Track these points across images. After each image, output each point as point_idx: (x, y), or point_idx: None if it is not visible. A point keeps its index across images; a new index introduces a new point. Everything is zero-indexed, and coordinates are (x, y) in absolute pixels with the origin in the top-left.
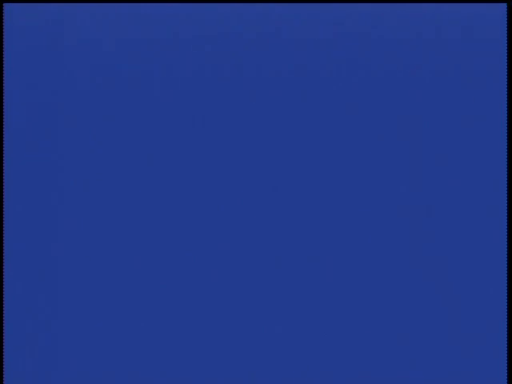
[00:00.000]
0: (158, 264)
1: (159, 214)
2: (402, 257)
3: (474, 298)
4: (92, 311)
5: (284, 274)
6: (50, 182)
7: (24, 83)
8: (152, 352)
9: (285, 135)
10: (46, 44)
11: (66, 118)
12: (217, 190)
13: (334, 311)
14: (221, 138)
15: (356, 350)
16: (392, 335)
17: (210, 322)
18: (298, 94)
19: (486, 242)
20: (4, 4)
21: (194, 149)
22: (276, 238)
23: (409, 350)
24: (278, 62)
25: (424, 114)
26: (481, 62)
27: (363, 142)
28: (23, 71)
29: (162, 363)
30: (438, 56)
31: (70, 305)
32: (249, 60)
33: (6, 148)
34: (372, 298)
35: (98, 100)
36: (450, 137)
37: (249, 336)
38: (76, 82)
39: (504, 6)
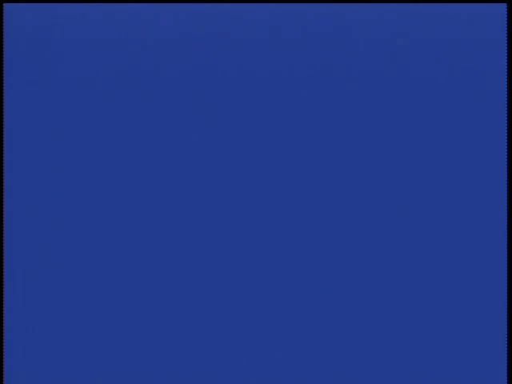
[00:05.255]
0: (158, 263)
1: (159, 213)
2: (401, 256)
3: (474, 298)
4: (92, 311)
5: (284, 274)
6: (49, 181)
7: (24, 83)
8: (152, 352)
9: (285, 135)
10: (46, 44)
11: (66, 117)
12: (217, 190)
13: (333, 311)
14: (220, 138)
15: (356, 350)
16: (392, 335)
17: (209, 320)
18: (297, 94)
19: (486, 242)
20: (4, 4)
21: (192, 149)
22: (276, 238)
23: (409, 350)
24: (278, 61)
25: (424, 113)
26: (481, 62)
27: (363, 141)
28: (23, 71)
29: (161, 362)
30: (438, 56)
31: (69, 305)
32: (249, 60)
33: (6, 148)
34: (372, 298)
35: (98, 100)
36: (450, 137)
37: (249, 336)
38: (75, 82)
39: (504, 6)
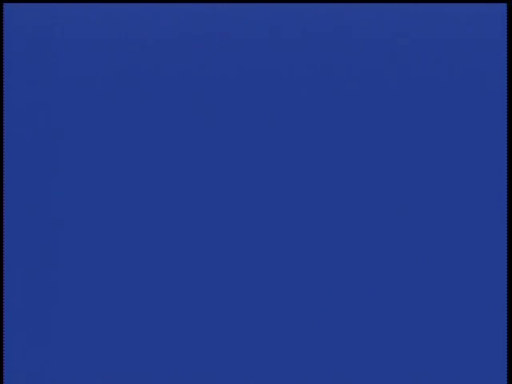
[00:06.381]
0: (158, 263)
1: (159, 213)
2: (401, 256)
3: (474, 298)
4: (91, 311)
5: (284, 274)
6: (49, 181)
7: (24, 83)
8: (152, 352)
9: (285, 135)
10: (46, 44)
11: (66, 117)
12: (217, 189)
13: (333, 312)
14: (220, 138)
15: (356, 350)
16: (392, 335)
17: (209, 320)
18: (297, 94)
19: (486, 242)
20: (4, 4)
21: (192, 149)
22: (276, 238)
23: (409, 350)
24: (278, 61)
25: (424, 113)
26: (481, 62)
27: (363, 141)
28: (23, 71)
29: (161, 362)
30: (438, 56)
31: (69, 305)
32: (249, 60)
33: (6, 148)
34: (372, 298)
35: (98, 100)
36: (450, 137)
37: (249, 336)
38: (75, 82)
39: (504, 6)
